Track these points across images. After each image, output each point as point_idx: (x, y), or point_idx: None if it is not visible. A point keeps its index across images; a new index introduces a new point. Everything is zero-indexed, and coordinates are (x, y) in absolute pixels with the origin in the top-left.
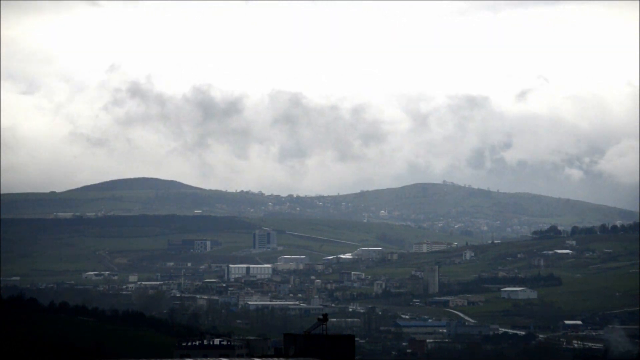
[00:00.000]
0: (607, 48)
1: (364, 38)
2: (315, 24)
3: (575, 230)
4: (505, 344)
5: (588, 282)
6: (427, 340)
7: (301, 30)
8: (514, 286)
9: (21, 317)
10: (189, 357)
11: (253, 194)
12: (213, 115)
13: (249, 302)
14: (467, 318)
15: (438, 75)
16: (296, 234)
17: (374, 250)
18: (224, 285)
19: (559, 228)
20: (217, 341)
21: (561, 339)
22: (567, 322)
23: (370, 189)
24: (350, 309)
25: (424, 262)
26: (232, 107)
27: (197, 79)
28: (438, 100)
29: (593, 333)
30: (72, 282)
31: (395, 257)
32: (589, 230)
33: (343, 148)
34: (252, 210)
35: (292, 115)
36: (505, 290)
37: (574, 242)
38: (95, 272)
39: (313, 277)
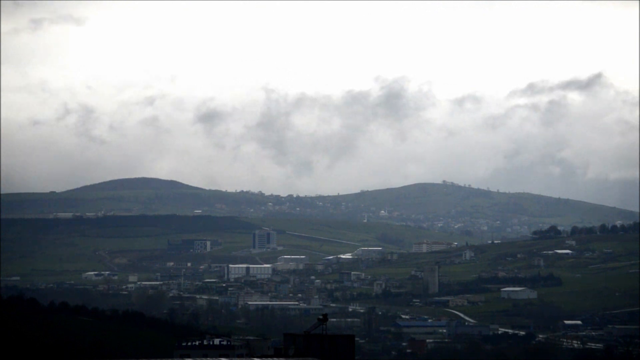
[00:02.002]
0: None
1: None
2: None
3: (575, 230)
4: (505, 344)
5: (588, 282)
6: (427, 340)
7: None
8: (514, 286)
9: (21, 317)
10: (189, 357)
11: (253, 194)
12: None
13: (249, 302)
14: (467, 318)
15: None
16: (296, 234)
17: (374, 250)
18: (224, 285)
19: (559, 228)
20: (217, 341)
21: (561, 339)
22: (567, 322)
23: (370, 189)
24: (350, 309)
25: (423, 262)
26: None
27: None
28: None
29: (593, 333)
30: (72, 282)
31: (395, 257)
32: (589, 230)
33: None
34: (252, 210)
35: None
36: (505, 290)
37: (573, 242)
38: (95, 272)
39: (313, 277)
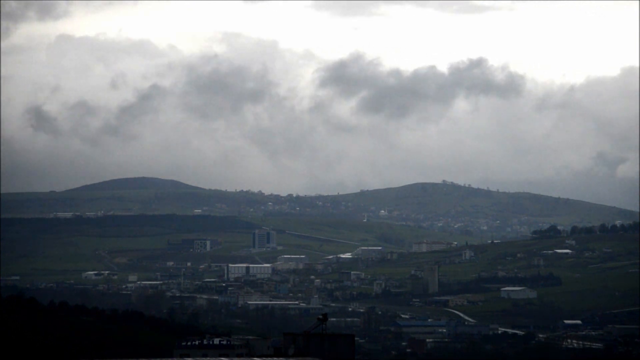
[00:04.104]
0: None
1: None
2: None
3: (575, 230)
4: (505, 343)
5: (588, 282)
6: (427, 340)
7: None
8: (514, 286)
9: (21, 317)
10: (189, 356)
11: (253, 193)
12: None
13: (249, 302)
14: (466, 318)
15: None
16: (296, 233)
17: (374, 250)
18: (224, 284)
19: (559, 228)
20: (216, 341)
21: (561, 339)
22: (566, 322)
23: (370, 188)
24: (350, 309)
25: (423, 261)
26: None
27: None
28: None
29: (593, 333)
30: (72, 281)
31: (395, 256)
32: (589, 230)
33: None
34: (252, 210)
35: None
36: (505, 290)
37: (573, 242)
38: (95, 272)
39: (313, 276)
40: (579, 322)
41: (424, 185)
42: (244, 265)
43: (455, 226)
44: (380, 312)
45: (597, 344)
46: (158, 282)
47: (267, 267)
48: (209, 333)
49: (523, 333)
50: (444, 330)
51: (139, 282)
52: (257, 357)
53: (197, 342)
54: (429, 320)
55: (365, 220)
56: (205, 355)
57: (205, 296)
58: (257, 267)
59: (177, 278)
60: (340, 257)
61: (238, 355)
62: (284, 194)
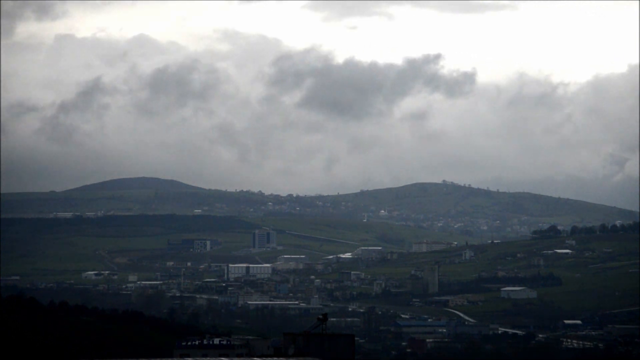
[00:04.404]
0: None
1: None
2: None
3: (575, 230)
4: (505, 343)
5: (588, 282)
6: (427, 340)
7: None
8: (514, 286)
9: (21, 317)
10: (189, 356)
11: (253, 193)
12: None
13: (249, 302)
14: (466, 318)
15: None
16: (296, 233)
17: (374, 250)
18: (224, 284)
19: (559, 228)
20: (216, 341)
21: (561, 339)
22: (566, 321)
23: (370, 188)
24: (350, 309)
25: (423, 261)
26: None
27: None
28: None
29: (593, 333)
30: (72, 281)
31: (395, 256)
32: (589, 230)
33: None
34: (251, 210)
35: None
36: (505, 290)
37: (573, 242)
38: (95, 272)
39: (313, 276)
40: (579, 322)
41: (423, 185)
42: (244, 265)
43: (455, 226)
44: (380, 312)
45: (597, 344)
46: (158, 282)
47: (267, 267)
48: (209, 333)
49: (523, 333)
50: (444, 330)
51: (139, 282)
52: (257, 357)
53: (197, 342)
54: (429, 320)
55: (365, 220)
56: (205, 355)
57: (205, 296)
58: (257, 267)
59: (177, 278)
60: (340, 257)
61: (238, 355)
62: (284, 194)
